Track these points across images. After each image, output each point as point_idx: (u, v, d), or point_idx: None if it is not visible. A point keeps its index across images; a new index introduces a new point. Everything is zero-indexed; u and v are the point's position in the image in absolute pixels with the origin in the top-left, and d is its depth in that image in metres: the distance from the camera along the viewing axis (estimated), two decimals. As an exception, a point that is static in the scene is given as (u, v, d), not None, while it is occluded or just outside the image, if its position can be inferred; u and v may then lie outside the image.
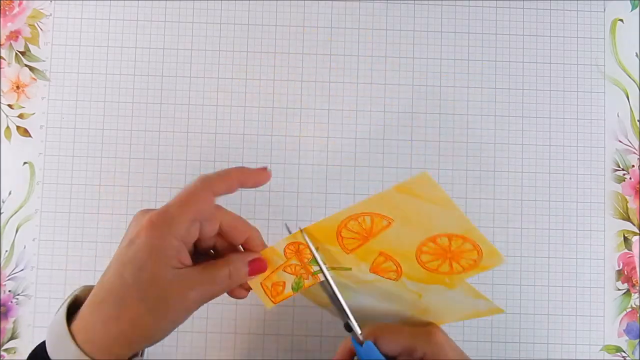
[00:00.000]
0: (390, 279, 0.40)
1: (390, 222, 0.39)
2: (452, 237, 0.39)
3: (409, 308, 0.43)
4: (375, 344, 0.39)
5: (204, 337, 0.51)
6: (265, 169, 0.38)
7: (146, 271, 0.33)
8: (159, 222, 0.34)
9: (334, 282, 0.39)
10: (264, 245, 0.38)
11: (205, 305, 0.36)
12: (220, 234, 0.37)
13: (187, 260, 0.35)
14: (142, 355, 0.36)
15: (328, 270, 0.39)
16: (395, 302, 0.42)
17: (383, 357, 0.38)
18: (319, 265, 0.38)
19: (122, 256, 0.34)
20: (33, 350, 0.35)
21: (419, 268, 0.39)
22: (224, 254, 0.37)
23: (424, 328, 0.40)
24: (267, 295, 0.39)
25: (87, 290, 0.36)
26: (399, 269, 0.40)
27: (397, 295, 0.42)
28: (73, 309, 0.35)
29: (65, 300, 0.35)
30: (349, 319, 0.39)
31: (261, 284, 0.39)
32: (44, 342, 0.35)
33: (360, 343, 0.39)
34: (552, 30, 0.54)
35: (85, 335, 0.33)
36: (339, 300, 0.38)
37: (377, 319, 0.42)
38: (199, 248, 0.37)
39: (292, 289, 0.39)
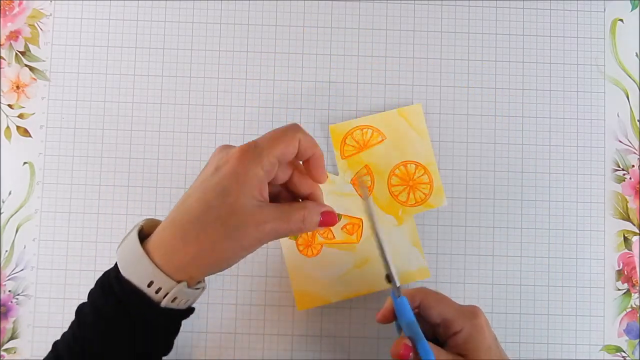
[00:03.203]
0: (360, 197, 0.49)
1: (383, 139, 0.50)
2: (418, 166, 0.49)
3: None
4: (418, 308, 0.40)
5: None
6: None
7: (231, 196, 0.34)
8: (249, 152, 0.35)
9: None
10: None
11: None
12: (288, 184, 0.39)
13: (266, 194, 0.36)
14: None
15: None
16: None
17: (413, 317, 0.39)
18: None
19: (205, 182, 0.35)
20: (100, 278, 0.37)
21: (386, 191, 0.47)
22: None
23: (470, 307, 0.41)
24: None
25: (152, 222, 0.38)
26: (371, 185, 0.49)
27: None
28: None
29: (134, 227, 0.37)
30: (390, 270, 0.40)
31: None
32: (109, 270, 0.36)
33: (397, 296, 0.40)
34: (552, 30, 0.54)
35: (162, 256, 0.35)
36: (383, 250, 0.39)
37: None
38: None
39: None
